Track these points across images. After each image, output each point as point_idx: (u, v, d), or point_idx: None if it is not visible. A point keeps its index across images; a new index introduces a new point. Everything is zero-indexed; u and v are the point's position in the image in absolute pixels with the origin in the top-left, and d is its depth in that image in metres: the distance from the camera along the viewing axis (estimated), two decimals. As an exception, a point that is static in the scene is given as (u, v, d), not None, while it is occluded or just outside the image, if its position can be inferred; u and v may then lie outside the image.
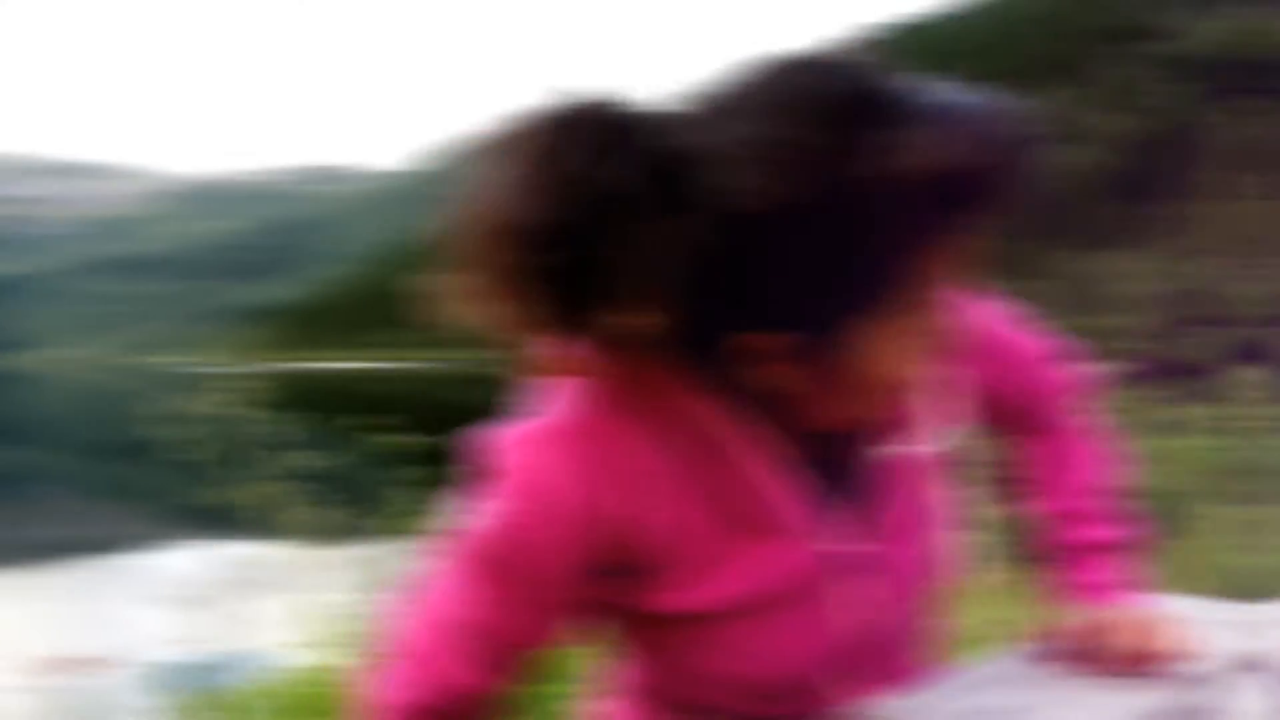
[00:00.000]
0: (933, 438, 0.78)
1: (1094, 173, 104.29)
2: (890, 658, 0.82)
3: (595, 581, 0.70)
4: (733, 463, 0.68)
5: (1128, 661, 0.79)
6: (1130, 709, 0.75)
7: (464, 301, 0.61)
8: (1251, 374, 4.54)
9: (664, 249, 0.57)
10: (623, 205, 0.56)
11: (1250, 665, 0.80)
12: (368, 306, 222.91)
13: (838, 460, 0.73)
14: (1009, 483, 0.97)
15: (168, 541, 10.86)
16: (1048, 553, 0.91)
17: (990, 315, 0.89)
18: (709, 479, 0.69)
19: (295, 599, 2.72)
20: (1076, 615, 0.84)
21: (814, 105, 0.55)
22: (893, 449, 0.75)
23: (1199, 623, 0.83)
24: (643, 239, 0.56)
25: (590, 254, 0.56)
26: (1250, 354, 4.16)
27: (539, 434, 0.68)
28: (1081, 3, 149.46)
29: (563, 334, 0.61)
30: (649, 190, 0.56)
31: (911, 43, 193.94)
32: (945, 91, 0.58)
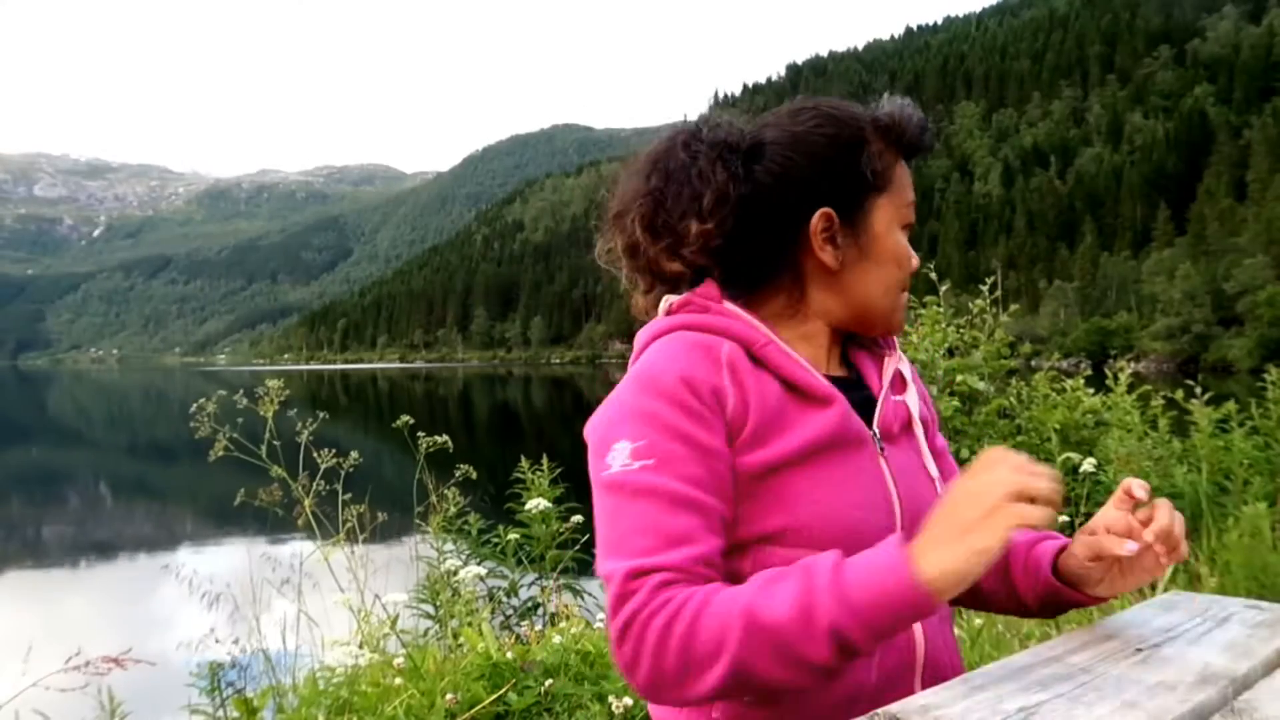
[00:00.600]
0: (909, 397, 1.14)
1: (1131, 173, 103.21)
2: None
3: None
4: (780, 351, 1.03)
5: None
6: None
7: (616, 258, 1.13)
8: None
9: (716, 185, 1.05)
10: (692, 167, 1.07)
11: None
12: (408, 306, 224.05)
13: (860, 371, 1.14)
14: None
15: (215, 540, 11.01)
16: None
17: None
18: (771, 365, 1.02)
19: (344, 598, 2.73)
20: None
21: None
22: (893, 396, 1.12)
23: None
24: (704, 183, 1.06)
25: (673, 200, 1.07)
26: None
27: (671, 335, 1.04)
28: (1119, 3, 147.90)
29: (665, 263, 1.09)
30: (708, 157, 1.07)
31: (943, 44, 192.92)
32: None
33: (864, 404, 1.08)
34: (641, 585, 0.88)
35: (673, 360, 0.99)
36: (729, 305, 1.08)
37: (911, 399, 1.15)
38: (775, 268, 1.11)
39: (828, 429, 1.00)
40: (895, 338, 1.19)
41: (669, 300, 1.11)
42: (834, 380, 1.07)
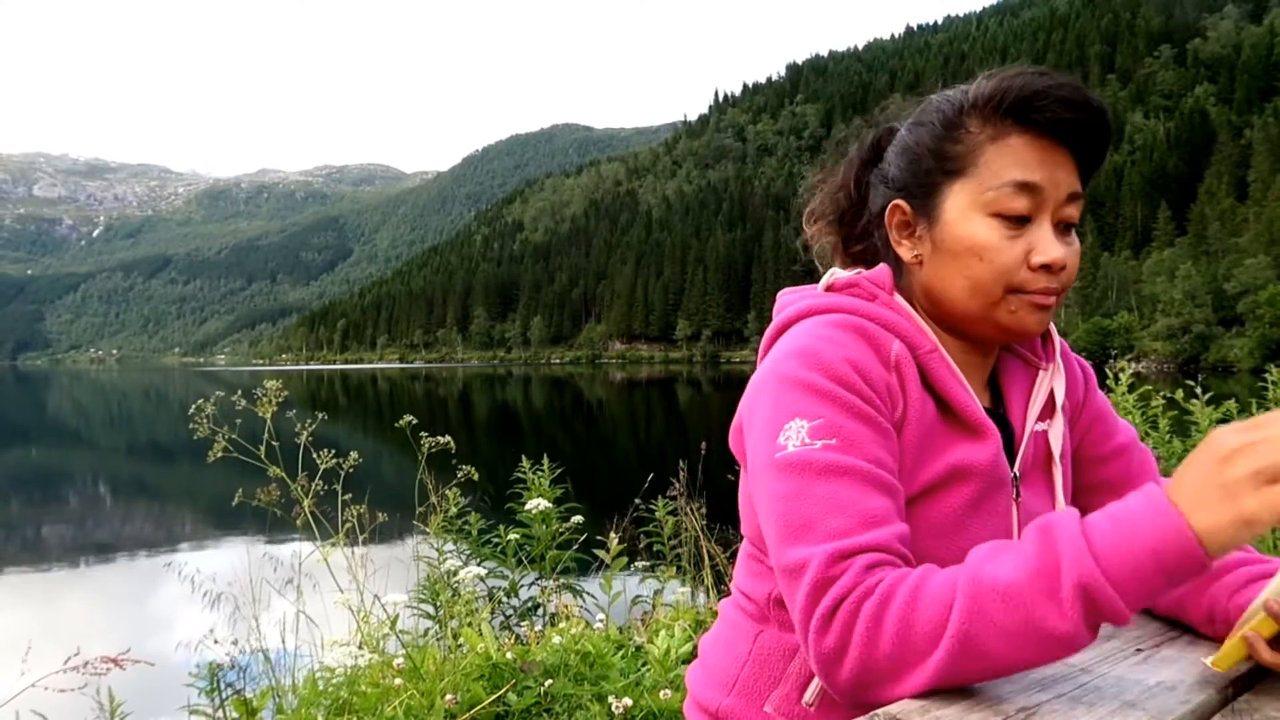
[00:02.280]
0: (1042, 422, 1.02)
1: (1132, 173, 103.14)
2: None
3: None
4: (943, 363, 0.95)
5: None
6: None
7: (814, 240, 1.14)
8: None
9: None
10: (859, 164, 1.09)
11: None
12: (408, 306, 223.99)
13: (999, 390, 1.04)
14: None
15: (214, 540, 11.00)
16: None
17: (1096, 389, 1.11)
18: (932, 377, 0.94)
19: (344, 598, 2.73)
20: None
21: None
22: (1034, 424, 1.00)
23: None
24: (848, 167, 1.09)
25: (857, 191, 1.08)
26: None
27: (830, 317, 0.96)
28: (1120, 3, 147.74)
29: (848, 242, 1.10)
30: (866, 157, 1.08)
31: (944, 44, 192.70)
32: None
33: (1006, 437, 0.98)
34: (848, 567, 0.78)
35: (837, 345, 0.90)
36: (899, 299, 0.99)
37: (1055, 432, 1.01)
38: (895, 265, 1.03)
39: (974, 464, 0.91)
40: (1056, 339, 1.05)
41: (834, 274, 1.01)
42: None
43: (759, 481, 0.88)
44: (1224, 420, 4.55)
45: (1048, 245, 0.91)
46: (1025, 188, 0.90)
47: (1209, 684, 0.78)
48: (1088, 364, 1.13)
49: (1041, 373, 1.03)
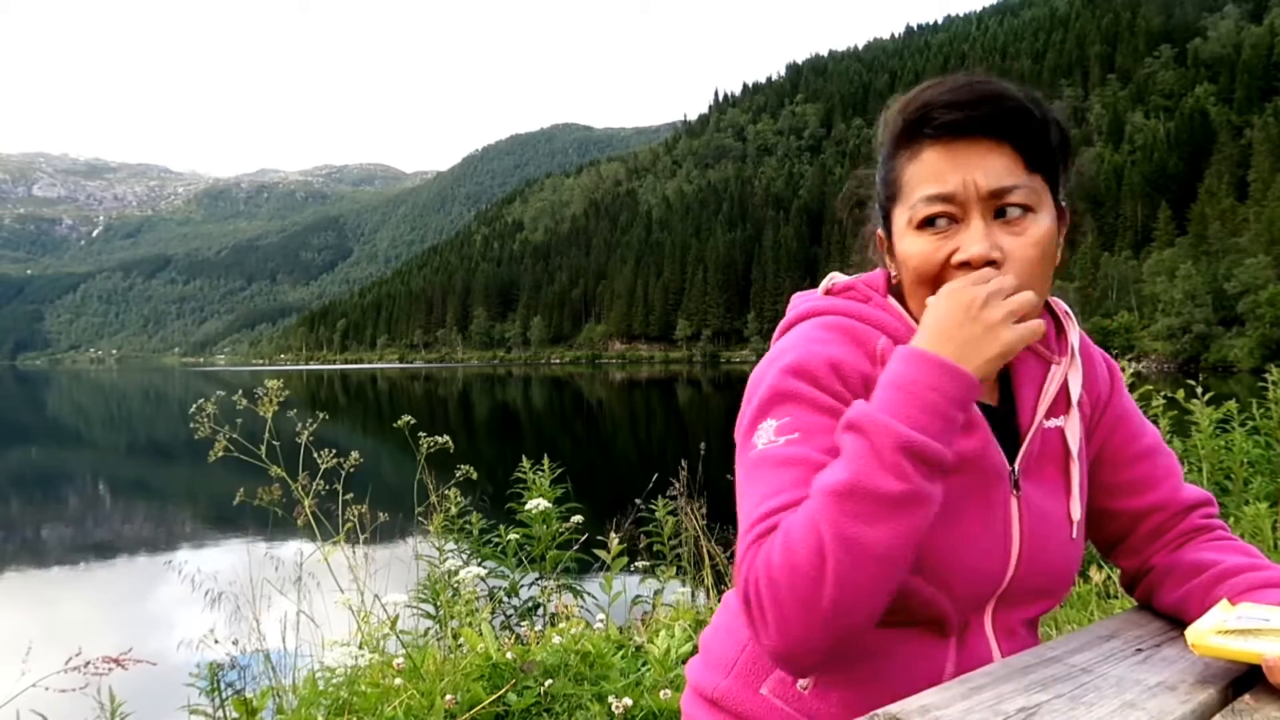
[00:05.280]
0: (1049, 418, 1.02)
1: (1132, 173, 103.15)
2: (1045, 593, 0.99)
3: None
4: None
5: None
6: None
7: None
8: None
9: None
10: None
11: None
12: (408, 306, 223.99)
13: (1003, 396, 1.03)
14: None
15: (215, 540, 11.01)
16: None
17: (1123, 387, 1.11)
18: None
19: (344, 598, 2.73)
20: None
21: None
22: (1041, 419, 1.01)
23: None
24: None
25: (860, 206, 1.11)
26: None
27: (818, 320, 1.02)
28: (1120, 3, 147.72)
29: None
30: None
31: (944, 44, 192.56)
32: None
33: (1013, 433, 1.00)
34: (756, 546, 0.85)
35: (822, 344, 0.96)
36: (892, 301, 1.03)
37: (1072, 428, 1.02)
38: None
39: (960, 459, 0.93)
40: (1072, 332, 1.05)
41: (833, 278, 1.07)
42: (983, 407, 0.99)
43: (737, 478, 0.96)
44: (1224, 420, 4.55)
45: (968, 242, 0.93)
46: (936, 199, 0.94)
47: (1209, 684, 0.78)
48: (1114, 361, 1.13)
49: (1054, 367, 1.03)
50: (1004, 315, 0.86)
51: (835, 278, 1.07)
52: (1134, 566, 1.09)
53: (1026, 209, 0.93)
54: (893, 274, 1.04)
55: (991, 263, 0.92)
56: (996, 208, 0.93)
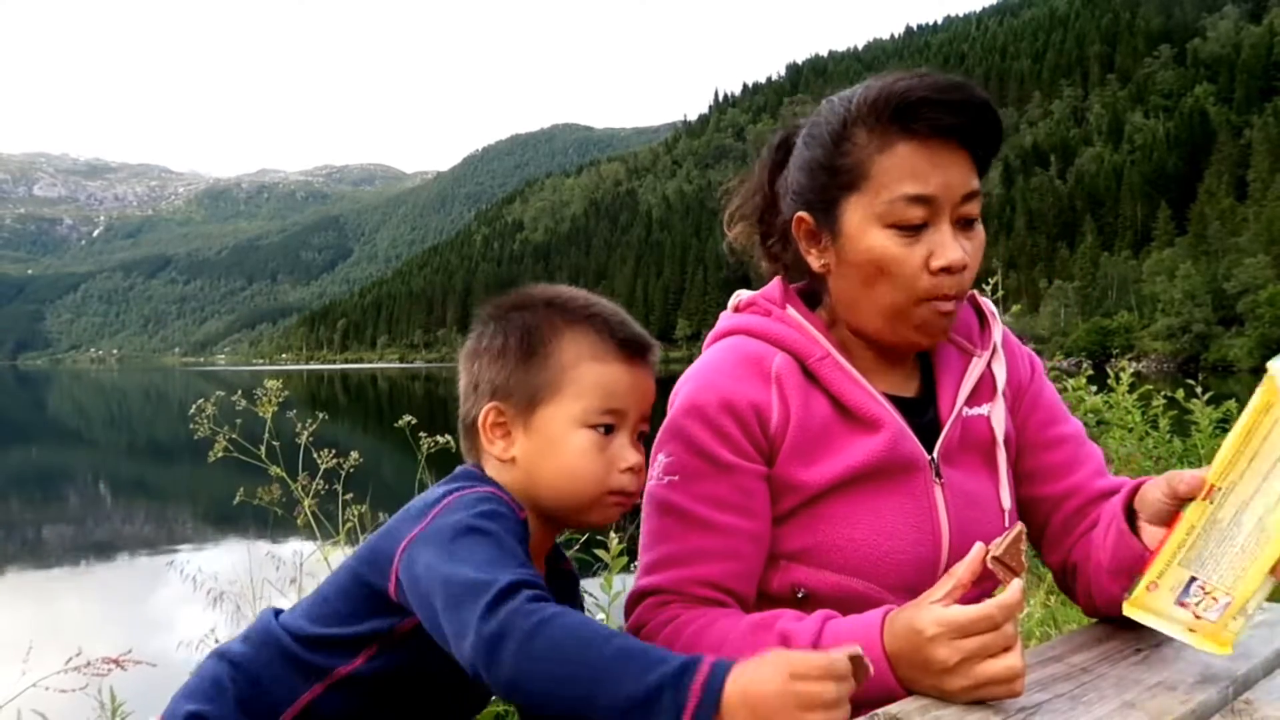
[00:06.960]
0: (969, 408, 1.02)
1: (1132, 172, 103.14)
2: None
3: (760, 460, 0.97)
4: (835, 367, 0.98)
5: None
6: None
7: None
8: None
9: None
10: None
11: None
12: (408, 306, 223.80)
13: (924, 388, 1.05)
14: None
15: (215, 540, 10.99)
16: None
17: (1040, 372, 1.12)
18: (823, 381, 0.98)
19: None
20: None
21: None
22: (961, 409, 1.01)
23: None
24: (755, 179, 1.11)
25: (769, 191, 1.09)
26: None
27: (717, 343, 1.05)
28: (1119, 3, 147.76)
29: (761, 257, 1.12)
30: (775, 158, 1.08)
31: (943, 44, 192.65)
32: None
33: (934, 423, 1.02)
34: (644, 604, 0.96)
35: (718, 375, 0.99)
36: (791, 311, 1.04)
37: (997, 415, 1.04)
38: (803, 272, 1.07)
39: (870, 457, 0.96)
40: (995, 328, 1.07)
41: (739, 295, 1.10)
42: (899, 400, 1.00)
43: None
44: (1224, 420, 4.54)
45: (947, 248, 0.92)
46: (919, 200, 0.92)
47: (1208, 684, 0.78)
48: (1036, 356, 1.15)
49: (975, 359, 1.05)
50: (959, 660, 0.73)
51: (741, 294, 1.09)
52: (1058, 563, 1.09)
53: (976, 216, 0.96)
54: (818, 265, 1.01)
55: (964, 269, 0.94)
56: (961, 214, 0.94)
